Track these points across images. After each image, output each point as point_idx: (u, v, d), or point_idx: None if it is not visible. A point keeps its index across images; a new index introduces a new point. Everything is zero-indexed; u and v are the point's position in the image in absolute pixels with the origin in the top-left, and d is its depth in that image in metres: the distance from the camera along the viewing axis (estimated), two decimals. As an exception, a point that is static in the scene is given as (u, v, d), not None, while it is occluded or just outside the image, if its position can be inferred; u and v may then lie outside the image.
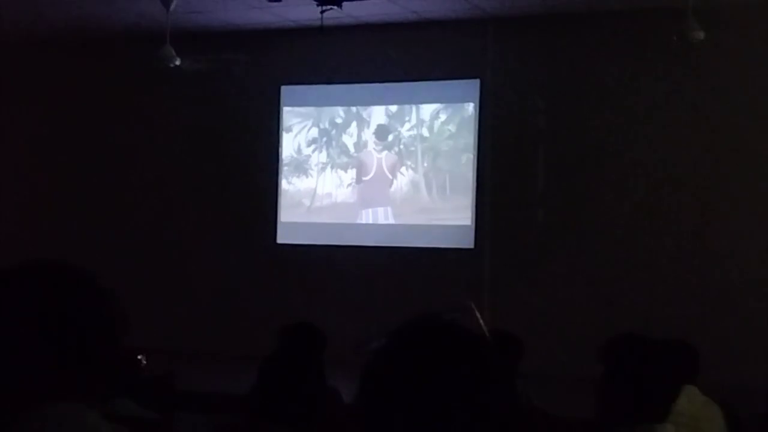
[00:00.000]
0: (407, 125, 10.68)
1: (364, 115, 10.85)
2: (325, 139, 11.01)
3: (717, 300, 9.28)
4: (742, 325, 9.12)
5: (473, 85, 10.32)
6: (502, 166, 10.22)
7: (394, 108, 10.73)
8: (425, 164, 10.61)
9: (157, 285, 11.21)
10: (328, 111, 11.00)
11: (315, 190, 11.00)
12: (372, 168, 10.76)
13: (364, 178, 10.80)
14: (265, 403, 2.87)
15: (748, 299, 9.19)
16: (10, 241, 11.77)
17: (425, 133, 10.62)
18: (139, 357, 4.21)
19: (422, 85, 10.55)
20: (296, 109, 11.11)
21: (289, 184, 11.07)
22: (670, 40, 8.45)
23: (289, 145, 11.10)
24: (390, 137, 10.72)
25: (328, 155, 10.99)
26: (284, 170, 11.06)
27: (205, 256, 11.13)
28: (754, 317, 9.12)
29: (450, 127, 10.54)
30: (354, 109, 10.89)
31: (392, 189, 10.65)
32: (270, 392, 2.89)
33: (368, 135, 10.81)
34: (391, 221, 10.65)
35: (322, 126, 11.02)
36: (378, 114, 10.79)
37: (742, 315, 9.16)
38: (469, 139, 10.40)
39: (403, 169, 10.64)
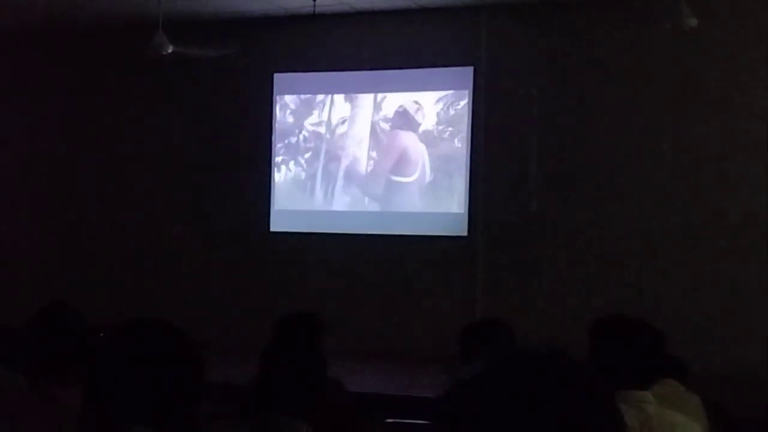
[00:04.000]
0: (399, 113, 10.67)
1: (357, 102, 10.83)
2: (316, 126, 10.99)
3: (715, 296, 9.26)
4: (741, 319, 9.11)
5: (467, 73, 10.30)
6: (495, 153, 10.20)
7: (386, 95, 10.70)
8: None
9: (150, 274, 11.19)
10: (320, 99, 10.98)
11: (307, 178, 10.98)
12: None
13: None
14: (268, 392, 2.86)
15: (747, 296, 9.16)
16: (6, 232, 11.75)
17: (419, 120, 10.60)
18: None
19: (416, 73, 10.52)
20: (289, 96, 11.09)
21: (282, 173, 11.05)
22: (664, 27, 8.45)
23: (282, 133, 11.08)
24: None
25: (319, 142, 10.97)
26: (277, 158, 11.05)
27: (198, 244, 11.11)
28: (754, 312, 9.11)
29: (443, 115, 10.52)
30: (347, 96, 10.86)
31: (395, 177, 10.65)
32: (273, 382, 2.88)
33: (362, 122, 10.79)
34: (384, 209, 10.64)
35: (314, 113, 11.00)
36: (371, 101, 10.77)
37: (740, 309, 9.14)
38: (462, 126, 10.39)
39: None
